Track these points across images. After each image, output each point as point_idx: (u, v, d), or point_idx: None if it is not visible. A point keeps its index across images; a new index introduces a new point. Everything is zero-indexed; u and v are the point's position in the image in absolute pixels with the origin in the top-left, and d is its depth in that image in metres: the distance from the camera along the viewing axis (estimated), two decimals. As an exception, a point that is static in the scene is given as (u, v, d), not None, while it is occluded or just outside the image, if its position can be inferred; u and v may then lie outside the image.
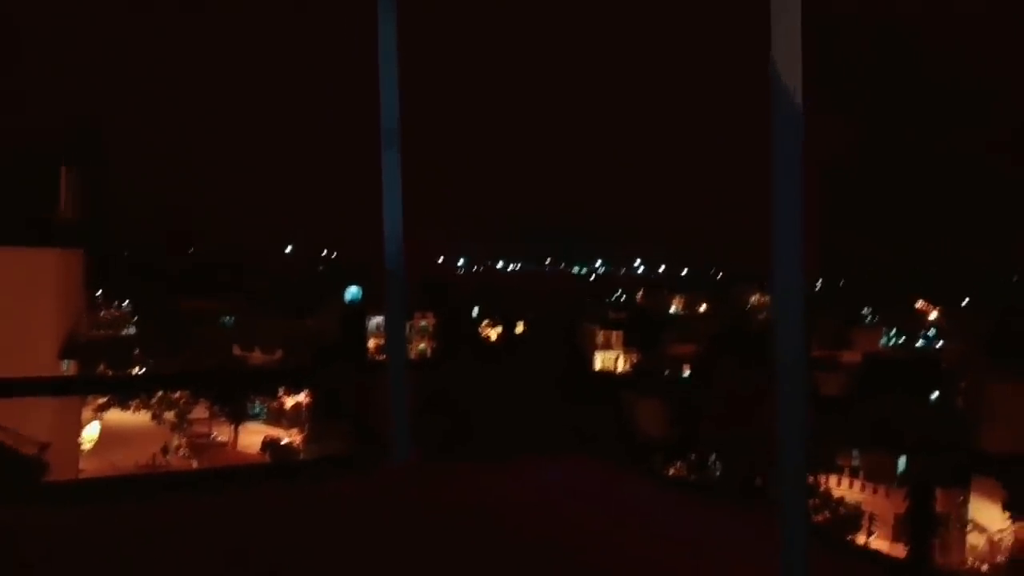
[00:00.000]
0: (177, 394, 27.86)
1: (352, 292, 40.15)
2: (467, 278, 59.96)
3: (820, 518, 18.04)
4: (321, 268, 53.86)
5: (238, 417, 29.95)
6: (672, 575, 3.02)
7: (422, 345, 36.44)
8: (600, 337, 40.99)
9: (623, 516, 3.51)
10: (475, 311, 43.07)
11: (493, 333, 41.34)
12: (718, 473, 18.96)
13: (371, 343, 32.90)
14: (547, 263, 69.82)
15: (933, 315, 53.06)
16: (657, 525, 3.46)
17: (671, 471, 19.77)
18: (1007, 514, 16.39)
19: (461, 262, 62.87)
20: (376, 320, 37.58)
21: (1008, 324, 39.39)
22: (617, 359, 39.82)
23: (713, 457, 19.90)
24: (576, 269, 71.37)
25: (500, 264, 67.12)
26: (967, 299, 54.58)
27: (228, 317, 37.12)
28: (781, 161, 2.13)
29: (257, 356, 34.49)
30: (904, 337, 49.64)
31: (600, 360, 39.48)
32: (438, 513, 3.56)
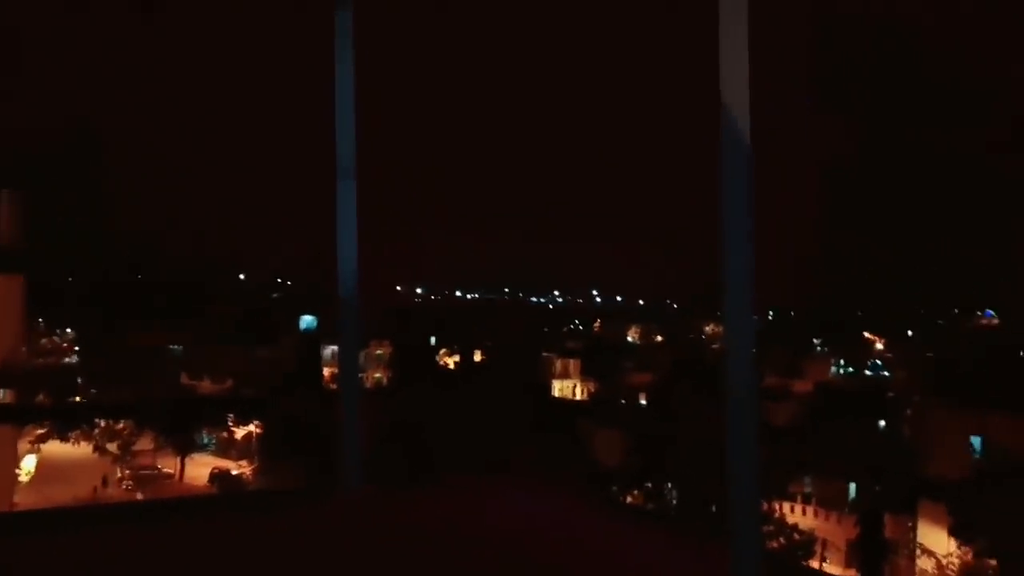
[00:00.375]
0: (121, 424, 26.86)
1: (307, 320, 39.55)
2: (425, 306, 59.64)
3: (775, 544, 18.24)
4: (275, 295, 52.97)
5: (185, 448, 28.99)
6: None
7: (378, 374, 35.99)
8: (558, 366, 41.11)
9: (578, 544, 3.49)
10: (433, 339, 42.82)
11: (451, 361, 41.11)
12: (674, 501, 19.06)
13: (326, 372, 32.35)
14: (505, 292, 69.95)
15: (879, 346, 54.70)
16: (611, 554, 3.45)
17: (628, 499, 19.79)
18: (953, 539, 16.81)
19: (419, 290, 62.59)
20: (331, 348, 37.02)
21: (949, 355, 40.82)
22: (575, 387, 39.94)
23: (669, 485, 20.01)
24: (534, 299, 71.65)
25: (458, 293, 66.98)
26: (910, 332, 56.49)
27: (176, 345, 36.12)
28: (730, 191, 2.18)
29: (206, 385, 33.57)
30: (852, 367, 50.98)
31: (558, 388, 39.53)
32: (391, 543, 3.49)
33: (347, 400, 3.69)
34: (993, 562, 15.48)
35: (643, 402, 36.18)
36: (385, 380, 34.54)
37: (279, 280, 57.64)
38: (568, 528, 3.71)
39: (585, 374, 41.07)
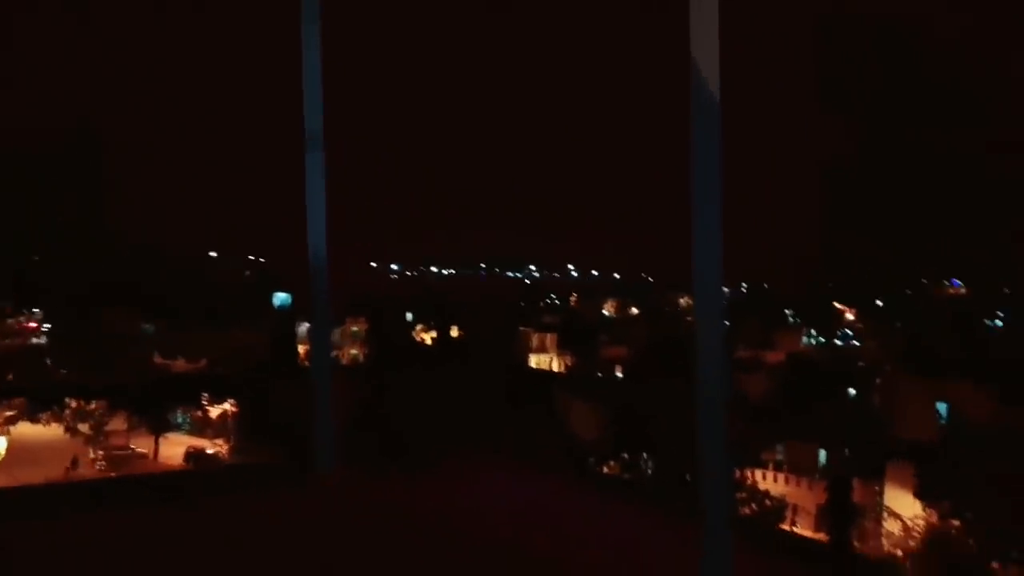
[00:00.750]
0: (93, 405, 26.47)
1: (281, 298, 39.13)
2: (401, 283, 59.36)
3: (748, 510, 18.62)
4: (248, 274, 52.30)
5: (159, 428, 28.66)
6: (596, 574, 3.04)
7: (354, 351, 35.82)
8: (535, 340, 41.27)
9: (554, 524, 3.51)
10: (409, 316, 42.66)
11: (428, 337, 41.03)
12: (650, 471, 19.35)
13: (301, 349, 32.13)
14: (482, 268, 69.84)
15: (849, 316, 55.65)
16: (586, 527, 3.48)
17: (605, 470, 20.03)
18: (919, 501, 17.30)
19: (395, 267, 62.23)
20: (308, 326, 36.71)
21: (918, 328, 41.69)
22: (551, 361, 40.17)
23: (645, 456, 20.29)
24: (510, 274, 71.66)
25: (434, 269, 66.74)
26: (881, 303, 57.49)
27: (149, 325, 35.56)
28: (701, 170, 2.16)
29: (180, 364, 33.15)
30: (824, 338, 51.84)
31: (535, 363, 39.72)
32: (364, 525, 3.47)
33: (317, 379, 3.65)
34: (957, 523, 15.98)
35: (619, 375, 36.53)
36: (361, 357, 34.40)
37: (252, 258, 56.93)
38: (544, 508, 3.73)
39: (562, 348, 41.28)
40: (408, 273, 64.01)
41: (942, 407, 24.37)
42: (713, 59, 2.32)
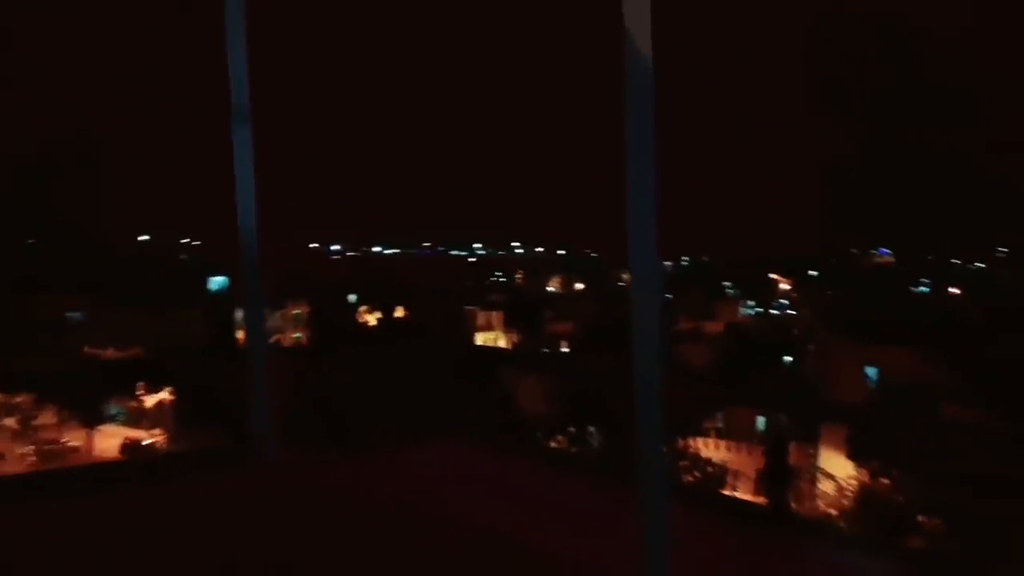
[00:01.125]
0: (19, 398, 25.27)
1: (217, 282, 37.99)
2: (342, 264, 58.39)
3: (690, 478, 19.14)
4: (184, 257, 50.56)
5: (92, 420, 27.59)
6: (543, 548, 3.04)
7: (297, 334, 35.13)
8: (481, 318, 41.28)
9: (497, 496, 3.49)
10: (352, 297, 42.04)
11: (372, 318, 40.55)
12: (596, 444, 19.66)
13: (240, 334, 31.32)
14: (425, 247, 69.26)
15: (785, 286, 57.52)
16: (531, 502, 3.48)
17: (553, 444, 20.27)
18: (852, 462, 18.12)
19: (336, 248, 61.13)
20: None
21: (849, 295, 43.42)
22: (497, 339, 40.28)
23: (592, 429, 20.59)
24: (456, 252, 71.32)
25: (377, 249, 65.84)
26: (815, 273, 59.67)
27: (77, 313, 34.05)
28: (634, 144, 2.13)
29: (111, 354, 31.89)
30: (761, 308, 53.51)
31: (481, 341, 39.75)
32: (310, 505, 3.39)
33: (253, 364, 3.52)
34: (886, 481, 16.83)
35: (565, 350, 36.92)
36: (304, 340, 33.77)
37: (186, 241, 55.02)
38: (488, 481, 3.71)
39: (508, 325, 41.43)
40: (350, 254, 63.01)
41: (872, 371, 25.51)
42: (645, 28, 2.26)
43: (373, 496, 3.66)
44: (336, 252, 61.11)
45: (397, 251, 66.43)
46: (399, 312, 40.90)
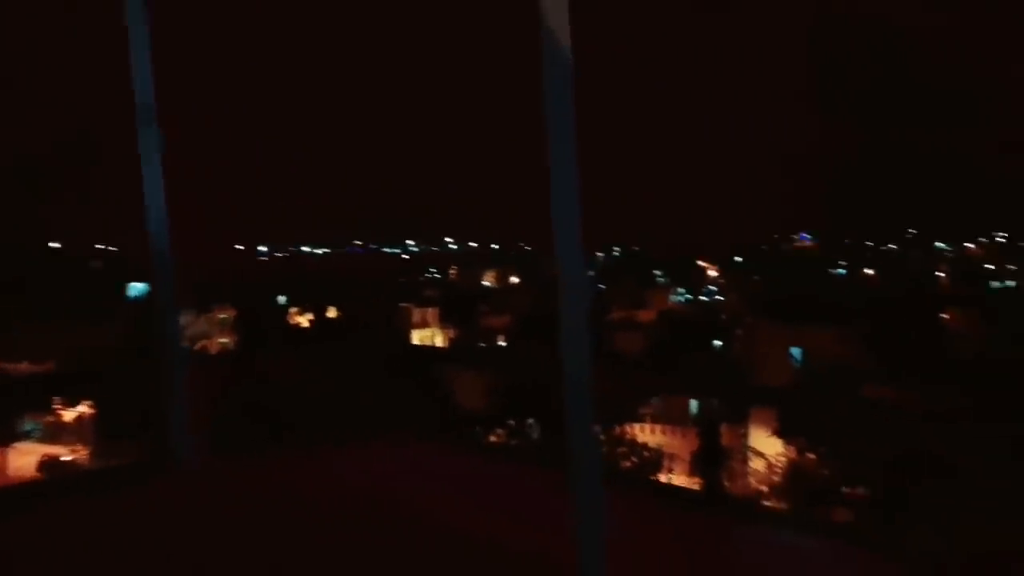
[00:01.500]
0: (-80, 421, 23.56)
1: (138, 288, 36.36)
2: (270, 265, 56.81)
3: (628, 464, 19.52)
4: (98, 264, 48.13)
5: (5, 438, 26.02)
6: (482, 540, 2.99)
7: (224, 339, 33.99)
8: (416, 315, 40.91)
9: (438, 489, 3.44)
10: (282, 299, 40.97)
11: (304, 320, 39.65)
12: (535, 435, 19.79)
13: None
14: (356, 245, 68.12)
15: (712, 272, 59.25)
16: (466, 495, 3.43)
17: (492, 439, 20.30)
18: (780, 440, 18.84)
19: (263, 249, 59.38)
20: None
21: (776, 280, 45.03)
22: (434, 336, 40.02)
23: (531, 421, 20.71)
24: (387, 250, 70.43)
25: (306, 249, 64.31)
26: (741, 259, 61.67)
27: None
28: (556, 134, 2.09)
29: (24, 367, 30.11)
30: (690, 294, 54.98)
31: (417, 339, 39.41)
32: (239, 511, 3.25)
33: (170, 370, 3.35)
34: (812, 456, 17.57)
35: (502, 343, 37.02)
36: (232, 345, 32.71)
37: (101, 247, 52.35)
38: (422, 479, 3.64)
39: (444, 322, 41.21)
40: (279, 254, 61.35)
41: (797, 351, 26.53)
42: (563, 16, 2.23)
43: (305, 496, 3.54)
44: (263, 253, 59.40)
45: (327, 250, 65.09)
46: (332, 312, 40.11)
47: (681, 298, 52.18)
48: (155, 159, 3.33)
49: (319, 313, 39.20)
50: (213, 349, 31.96)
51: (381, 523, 3.20)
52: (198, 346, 32.54)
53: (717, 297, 52.23)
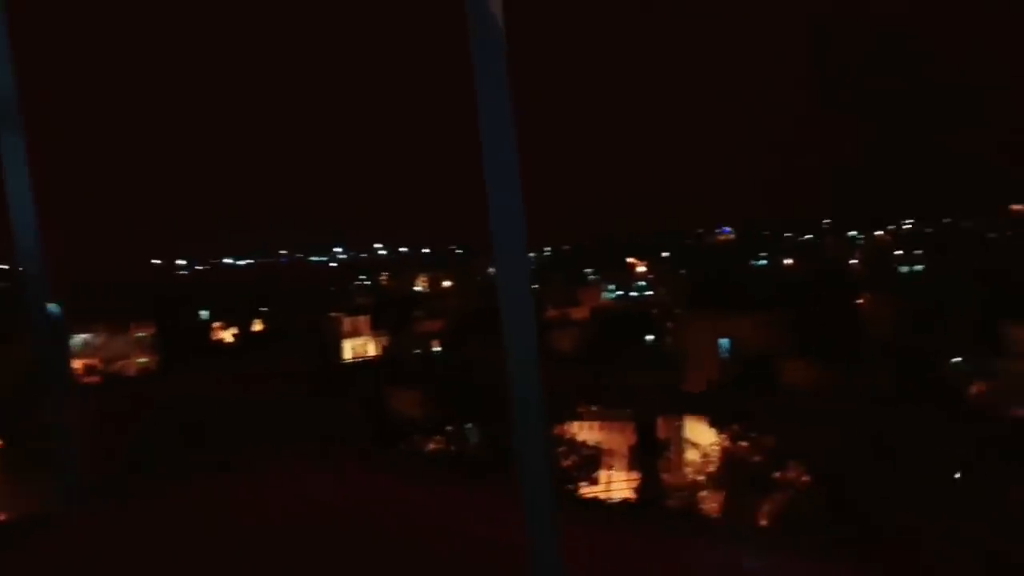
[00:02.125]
0: None
1: (52, 309, 34.22)
2: (190, 279, 54.52)
3: (568, 463, 19.56)
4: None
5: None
6: (423, 559, 2.81)
7: (143, 359, 32.35)
8: (347, 324, 39.99)
9: (359, 515, 3.23)
10: (205, 313, 39.36)
11: (228, 334, 38.16)
12: (474, 440, 19.60)
13: (77, 364, 28.36)
14: (282, 254, 66.24)
15: (641, 269, 60.38)
16: (410, 512, 3.24)
17: (431, 446, 20.00)
18: (714, 430, 19.25)
19: (182, 262, 56.95)
20: (83, 337, 32.51)
21: (702, 273, 46.22)
22: (366, 345, 39.22)
23: (469, 426, 20.51)
24: (314, 258, 68.74)
25: (228, 261, 62.07)
26: (668, 254, 63.14)
27: None
28: (490, 130, 1.96)
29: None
30: (621, 290, 55.85)
31: (350, 348, 38.56)
32: (133, 559, 2.94)
33: (55, 405, 2.98)
34: (744, 444, 18.03)
35: (437, 349, 36.60)
36: (152, 364, 31.16)
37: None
38: (350, 500, 3.42)
39: (376, 329, 40.46)
40: (199, 268, 58.98)
41: (725, 342, 27.21)
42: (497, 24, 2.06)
43: (224, 524, 3.25)
44: (183, 267, 56.99)
45: (251, 261, 63.04)
46: (257, 326, 38.79)
47: (612, 295, 52.91)
48: (20, 170, 2.97)
49: (244, 327, 37.82)
50: (131, 370, 30.37)
51: (301, 553, 2.96)
52: (115, 367, 30.84)
53: (647, 292, 53.19)
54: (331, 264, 69.21)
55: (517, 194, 1.98)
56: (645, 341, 34.45)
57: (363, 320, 40.11)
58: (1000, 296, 26.13)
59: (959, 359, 22.73)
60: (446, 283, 62.96)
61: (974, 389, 20.32)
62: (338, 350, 35.87)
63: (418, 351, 35.21)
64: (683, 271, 53.55)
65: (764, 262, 55.46)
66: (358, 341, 38.68)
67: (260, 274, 58.84)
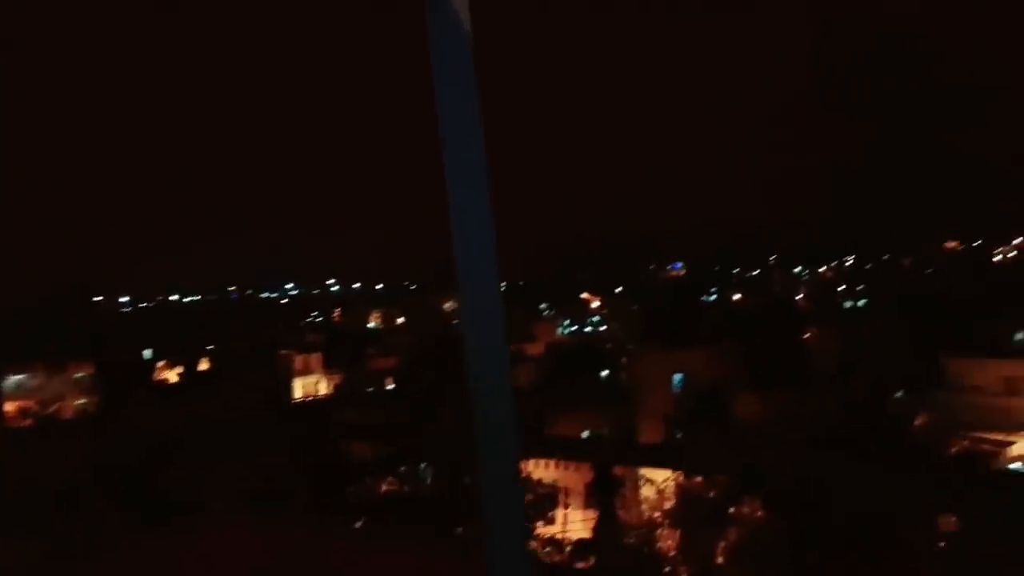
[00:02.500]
0: None
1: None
2: (134, 316, 52.72)
3: (526, 500, 19.25)
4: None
5: None
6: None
7: (81, 400, 30.89)
8: (298, 363, 39.08)
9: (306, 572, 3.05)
10: (147, 353, 38.00)
11: (173, 374, 36.82)
12: (429, 480, 19.16)
13: (9, 407, 26.99)
14: (231, 290, 64.79)
15: (596, 304, 60.93)
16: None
17: (384, 487, 19.47)
18: (668, 468, 19.24)
19: (125, 299, 55.09)
20: (17, 378, 30.96)
21: (654, 308, 46.82)
22: (318, 383, 38.34)
23: (424, 465, 20.08)
24: (265, 295, 67.41)
25: (175, 297, 60.35)
26: (620, 288, 63.88)
27: None
28: (455, 152, 1.88)
29: None
30: (576, 326, 56.14)
31: (301, 387, 37.63)
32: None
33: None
34: (699, 479, 18.05)
35: (391, 386, 35.99)
36: (91, 406, 29.76)
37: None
38: (285, 566, 3.24)
39: (328, 367, 39.62)
40: (143, 304, 57.17)
41: (677, 377, 27.44)
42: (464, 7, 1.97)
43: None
44: (126, 304, 55.17)
45: (198, 298, 61.47)
46: (204, 364, 37.57)
47: (567, 330, 53.09)
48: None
49: (190, 366, 36.57)
50: (67, 412, 28.95)
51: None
52: (51, 409, 29.34)
53: (601, 327, 53.57)
54: (282, 300, 67.97)
55: (487, 213, 1.91)
56: (599, 376, 34.54)
57: (315, 358, 39.28)
58: (938, 330, 27.11)
59: (902, 392, 23.38)
60: (399, 319, 62.29)
61: (918, 421, 20.85)
62: (289, 389, 34.97)
63: (371, 388, 34.58)
64: (636, 306, 54.22)
65: (714, 297, 56.58)
66: (310, 379, 37.80)
67: (207, 311, 57.28)
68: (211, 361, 37.54)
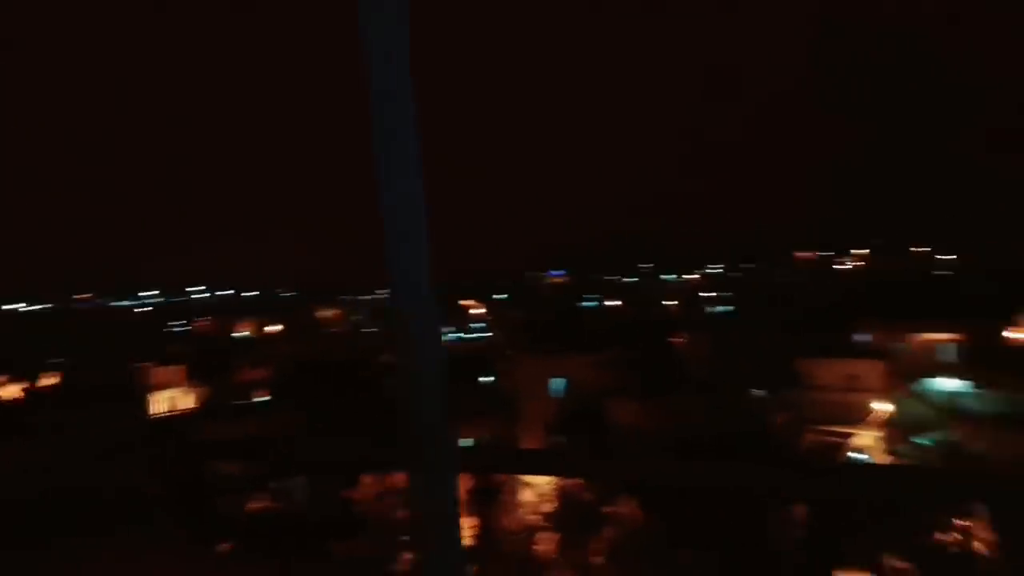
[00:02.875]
0: None
1: None
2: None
3: (400, 515, 18.85)
4: None
5: None
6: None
7: None
8: (158, 376, 36.38)
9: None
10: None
11: (12, 391, 33.25)
12: (303, 496, 18.32)
13: None
14: (82, 299, 59.53)
15: (478, 311, 61.15)
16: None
17: (255, 504, 18.42)
18: (548, 472, 19.51)
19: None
20: None
21: (535, 314, 47.57)
22: (180, 396, 35.83)
23: (297, 479, 19.18)
24: (118, 303, 62.48)
25: (13, 307, 54.64)
26: (504, 296, 64.51)
27: None
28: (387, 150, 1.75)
29: None
30: (459, 332, 56.04)
31: (162, 402, 35.02)
32: None
33: None
34: (577, 481, 18.42)
35: (264, 398, 34.28)
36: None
37: None
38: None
39: (193, 380, 37.15)
40: (-24, 314, 51.42)
41: (560, 382, 27.97)
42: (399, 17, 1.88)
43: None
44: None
45: (45, 306, 55.99)
46: (49, 380, 34.19)
47: (450, 336, 52.94)
48: None
49: (32, 382, 33.17)
50: None
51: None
52: None
53: (484, 333, 53.82)
54: (140, 309, 63.21)
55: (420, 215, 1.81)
56: (481, 383, 34.58)
57: (178, 370, 36.71)
58: (794, 332, 29.29)
59: (762, 391, 25.05)
60: (273, 328, 59.61)
61: (778, 419, 22.38)
62: (147, 404, 32.47)
63: (239, 401, 32.76)
64: (518, 312, 54.93)
65: (594, 303, 58.36)
66: (172, 393, 35.27)
67: (55, 321, 52.26)
68: (59, 376, 34.24)
